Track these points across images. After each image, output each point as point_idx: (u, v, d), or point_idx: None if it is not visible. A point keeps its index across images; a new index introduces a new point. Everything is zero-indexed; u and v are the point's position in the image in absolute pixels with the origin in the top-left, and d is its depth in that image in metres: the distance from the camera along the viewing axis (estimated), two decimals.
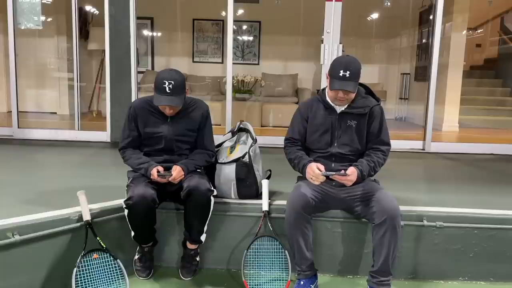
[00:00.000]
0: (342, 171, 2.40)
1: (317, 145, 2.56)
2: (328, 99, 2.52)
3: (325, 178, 2.39)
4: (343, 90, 2.37)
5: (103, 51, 4.98)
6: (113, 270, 2.39)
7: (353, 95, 2.44)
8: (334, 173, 2.40)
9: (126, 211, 2.45)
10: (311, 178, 2.43)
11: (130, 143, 2.66)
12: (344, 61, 2.40)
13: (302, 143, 2.62)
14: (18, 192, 2.94)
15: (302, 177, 2.62)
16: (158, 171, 2.48)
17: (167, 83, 2.43)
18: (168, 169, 2.52)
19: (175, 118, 2.62)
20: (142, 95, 3.66)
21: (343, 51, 4.61)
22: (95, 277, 2.34)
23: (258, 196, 2.79)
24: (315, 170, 2.39)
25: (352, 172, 2.39)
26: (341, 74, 2.34)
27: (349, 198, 2.52)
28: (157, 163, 2.56)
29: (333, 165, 2.50)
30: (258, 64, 8.22)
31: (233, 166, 2.78)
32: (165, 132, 2.61)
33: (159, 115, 2.62)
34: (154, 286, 2.61)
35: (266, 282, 2.60)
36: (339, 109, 2.51)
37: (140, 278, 2.66)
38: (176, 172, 2.48)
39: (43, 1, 5.12)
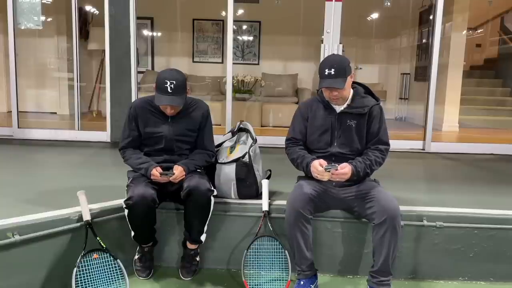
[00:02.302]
0: (337, 165, 2.39)
1: (317, 145, 2.56)
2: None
3: (330, 173, 2.38)
4: (330, 88, 2.38)
5: (103, 51, 4.98)
6: (113, 270, 2.39)
7: (345, 92, 2.43)
8: (336, 165, 2.38)
9: (126, 211, 2.45)
10: (317, 176, 2.42)
11: (130, 143, 2.66)
12: (329, 60, 2.43)
13: (304, 143, 2.61)
14: (18, 192, 2.94)
15: (303, 177, 2.63)
16: (158, 171, 2.48)
17: (168, 83, 2.43)
18: (168, 169, 2.52)
19: (176, 118, 2.62)
20: (142, 95, 3.66)
21: (343, 51, 4.61)
22: (95, 277, 2.34)
23: (258, 196, 2.79)
24: (318, 168, 2.39)
25: (343, 167, 2.37)
26: (326, 73, 2.36)
27: (349, 198, 2.52)
28: (157, 163, 2.56)
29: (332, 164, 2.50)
30: (258, 64, 8.21)
31: (233, 166, 2.78)
32: (165, 132, 2.61)
33: (159, 115, 2.62)
34: (154, 286, 2.61)
35: (266, 282, 2.60)
36: (338, 109, 2.51)
37: (140, 278, 2.66)
38: (178, 171, 2.49)
39: (43, 1, 5.12)
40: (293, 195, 2.47)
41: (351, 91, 2.52)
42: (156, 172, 2.47)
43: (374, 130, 2.50)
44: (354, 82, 2.56)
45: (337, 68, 2.35)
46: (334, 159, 2.49)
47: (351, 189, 2.51)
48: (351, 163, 2.42)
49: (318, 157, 2.50)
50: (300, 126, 2.61)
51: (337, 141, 2.51)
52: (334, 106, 2.51)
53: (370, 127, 2.50)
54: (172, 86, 2.43)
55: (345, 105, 2.50)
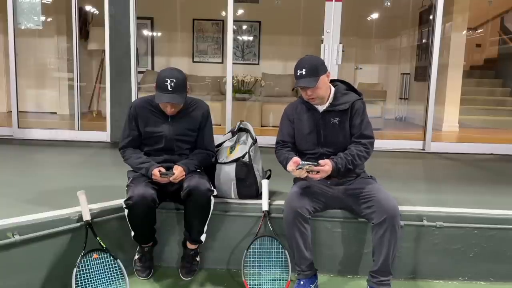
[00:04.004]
0: (307, 163, 2.37)
1: (305, 146, 2.57)
2: None
3: (305, 171, 2.35)
4: (303, 88, 2.42)
5: (103, 51, 4.98)
6: (113, 270, 2.39)
7: (320, 91, 2.44)
8: (309, 163, 2.37)
9: (126, 211, 2.45)
10: (299, 175, 2.42)
11: (130, 143, 2.66)
12: (300, 61, 2.47)
13: (293, 144, 2.62)
14: (18, 192, 2.94)
15: (299, 177, 2.63)
16: (159, 171, 2.48)
17: (169, 81, 2.44)
18: (168, 169, 2.52)
19: (176, 117, 2.62)
20: (142, 95, 3.66)
21: (343, 51, 4.62)
22: (95, 277, 2.34)
23: (258, 196, 2.79)
24: (291, 166, 2.40)
25: (323, 164, 2.36)
26: (298, 74, 2.43)
27: (347, 197, 2.52)
28: (157, 163, 2.56)
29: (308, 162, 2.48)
30: (258, 64, 8.22)
31: (233, 166, 2.78)
32: (165, 131, 2.61)
33: (159, 115, 2.62)
34: (154, 286, 2.61)
35: (266, 282, 2.60)
36: (321, 108, 2.52)
37: (140, 278, 2.66)
38: (178, 171, 2.49)
39: (43, 1, 5.12)
40: (290, 195, 2.48)
41: (332, 89, 2.53)
42: (157, 172, 2.47)
43: (356, 125, 2.50)
44: (336, 80, 2.58)
45: (308, 68, 2.40)
46: (324, 158, 2.47)
47: (347, 186, 2.52)
48: (332, 159, 2.42)
49: (309, 158, 2.50)
50: (288, 128, 2.62)
51: (324, 140, 2.52)
52: (316, 106, 2.52)
53: (353, 121, 2.51)
54: (172, 84, 2.44)
55: (327, 104, 2.52)
